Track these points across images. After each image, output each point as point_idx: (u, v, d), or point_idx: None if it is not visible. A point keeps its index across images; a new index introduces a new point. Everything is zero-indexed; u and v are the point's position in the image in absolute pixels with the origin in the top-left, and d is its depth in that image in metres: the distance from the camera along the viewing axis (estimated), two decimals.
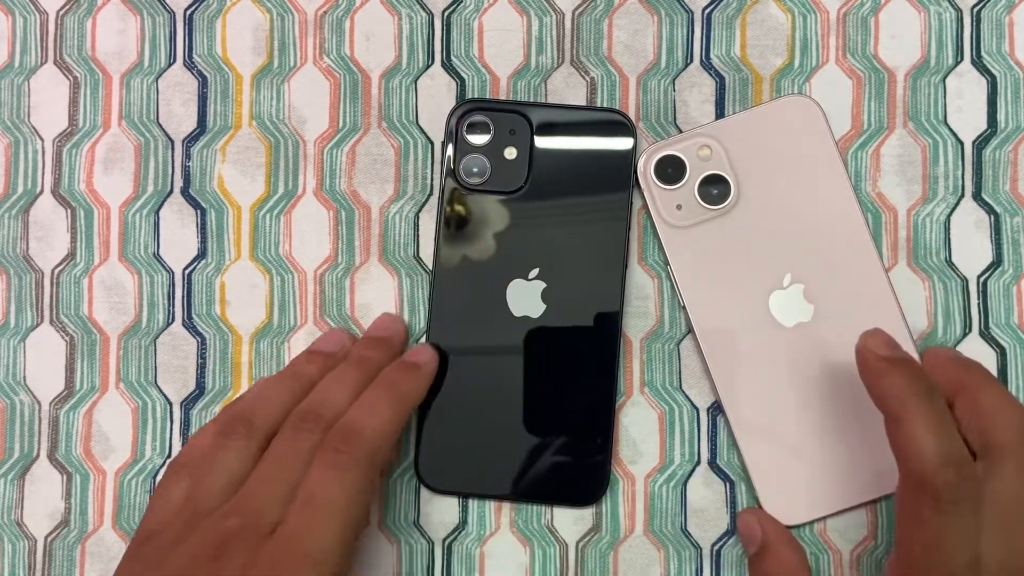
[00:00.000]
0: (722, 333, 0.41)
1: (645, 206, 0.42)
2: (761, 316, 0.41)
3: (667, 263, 0.41)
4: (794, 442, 0.40)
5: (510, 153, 0.41)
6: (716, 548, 0.41)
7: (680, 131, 0.42)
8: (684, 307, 0.41)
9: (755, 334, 0.40)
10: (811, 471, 0.40)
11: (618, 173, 0.41)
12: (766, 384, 0.40)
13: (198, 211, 0.43)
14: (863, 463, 0.40)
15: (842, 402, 0.40)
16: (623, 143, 0.41)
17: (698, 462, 0.41)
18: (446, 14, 0.43)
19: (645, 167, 0.41)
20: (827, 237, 0.41)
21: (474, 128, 0.41)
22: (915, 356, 0.39)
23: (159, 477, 0.42)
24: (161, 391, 0.42)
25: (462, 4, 0.43)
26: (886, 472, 0.40)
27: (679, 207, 0.41)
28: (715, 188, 0.41)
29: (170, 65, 0.43)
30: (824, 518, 0.41)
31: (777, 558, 0.38)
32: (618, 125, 0.41)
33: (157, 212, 0.43)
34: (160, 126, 0.43)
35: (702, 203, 0.41)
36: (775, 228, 0.41)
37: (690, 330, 0.41)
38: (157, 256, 0.43)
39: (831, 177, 0.41)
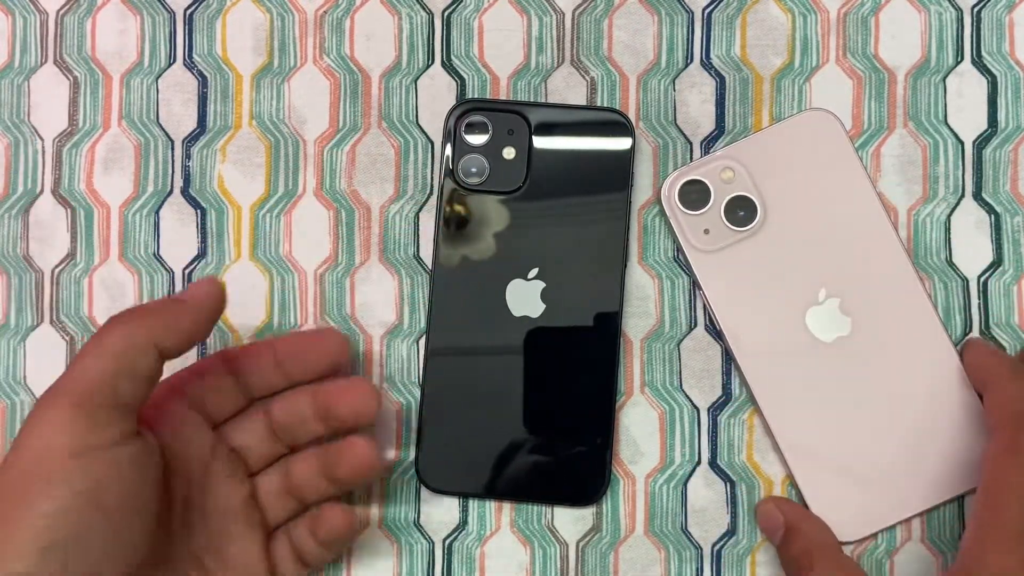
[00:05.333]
0: (763, 355, 0.40)
1: (645, 206, 0.42)
2: (799, 334, 0.40)
3: (698, 288, 0.41)
4: (845, 458, 0.40)
5: (508, 153, 0.41)
6: (716, 548, 0.41)
7: (680, 131, 0.42)
8: (721, 332, 0.41)
9: (796, 352, 0.40)
10: (864, 485, 0.40)
11: (617, 173, 0.41)
12: (813, 402, 0.40)
13: (198, 211, 0.43)
14: (915, 474, 0.40)
15: (890, 412, 0.40)
16: (622, 143, 0.41)
17: (698, 462, 0.41)
18: (446, 14, 0.43)
19: (669, 194, 0.41)
20: (857, 248, 0.40)
21: (472, 128, 0.41)
22: (956, 358, 0.40)
23: None
24: None
25: (462, 4, 0.43)
26: (937, 481, 0.40)
27: (706, 231, 0.41)
28: (741, 210, 0.41)
29: (170, 65, 0.43)
30: (878, 533, 0.40)
31: (805, 536, 0.38)
32: (616, 125, 0.41)
33: (157, 212, 0.43)
34: (160, 126, 0.43)
35: (729, 226, 0.41)
36: (805, 244, 0.41)
37: (728, 355, 0.41)
38: (157, 256, 0.43)
39: (855, 187, 0.41)
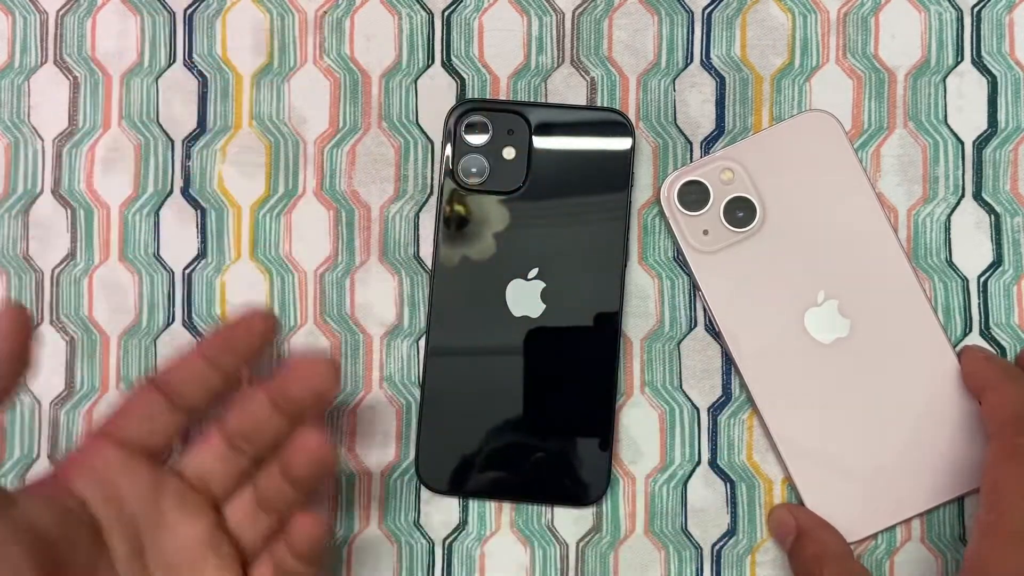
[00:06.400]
0: (761, 356, 0.40)
1: (645, 206, 0.42)
2: (798, 335, 0.40)
3: (697, 289, 0.41)
4: (844, 459, 0.40)
5: (508, 153, 0.41)
6: (716, 548, 0.41)
7: (680, 131, 0.42)
8: (720, 333, 0.41)
9: (794, 354, 0.40)
10: (863, 487, 0.40)
11: (616, 173, 0.41)
12: (811, 403, 0.40)
13: (198, 211, 0.43)
14: (914, 475, 0.40)
15: (888, 414, 0.40)
16: (621, 143, 0.41)
17: (698, 462, 0.41)
18: (446, 14, 0.43)
19: (668, 194, 0.41)
20: (856, 250, 0.40)
21: (472, 128, 0.41)
22: (954, 360, 0.40)
23: None
24: None
25: (462, 4, 0.43)
26: (937, 482, 0.40)
27: (706, 232, 0.41)
28: (740, 211, 0.41)
29: (170, 65, 0.43)
30: (879, 533, 0.41)
31: (817, 541, 0.39)
32: (616, 125, 0.41)
33: (157, 212, 0.43)
34: (160, 126, 0.43)
35: (729, 227, 0.41)
36: (804, 246, 0.41)
37: (727, 357, 0.41)
38: (157, 256, 0.43)
39: (855, 189, 0.41)
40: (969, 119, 0.42)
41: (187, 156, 0.43)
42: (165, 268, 0.43)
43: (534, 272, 0.41)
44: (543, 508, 0.41)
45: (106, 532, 0.34)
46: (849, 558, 0.38)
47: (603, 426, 0.41)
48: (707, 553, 0.41)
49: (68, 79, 0.43)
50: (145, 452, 0.36)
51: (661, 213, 0.42)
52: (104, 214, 0.43)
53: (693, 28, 0.43)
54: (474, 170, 0.41)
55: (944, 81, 0.42)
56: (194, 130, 0.43)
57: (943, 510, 0.41)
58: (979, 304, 0.42)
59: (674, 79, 0.42)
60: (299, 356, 0.37)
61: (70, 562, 0.33)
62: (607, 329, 0.41)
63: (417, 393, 0.42)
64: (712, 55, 0.42)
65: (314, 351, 0.40)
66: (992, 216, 0.42)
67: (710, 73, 0.42)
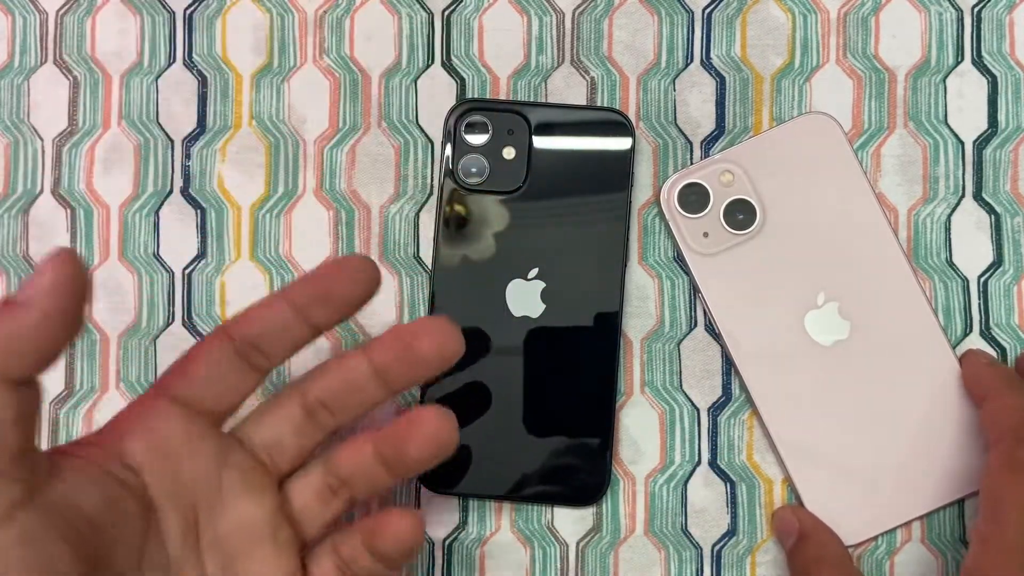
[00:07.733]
0: (761, 358, 0.40)
1: (645, 206, 0.42)
2: (798, 337, 0.40)
3: (697, 291, 0.41)
4: (844, 461, 0.40)
5: (508, 153, 0.41)
6: (716, 548, 0.41)
7: (680, 131, 0.42)
8: (720, 335, 0.41)
9: (794, 356, 0.40)
10: (863, 489, 0.40)
11: (617, 173, 0.41)
12: (811, 405, 0.40)
13: (198, 211, 0.43)
14: (914, 477, 0.40)
15: (888, 416, 0.40)
16: (622, 143, 0.41)
17: (698, 462, 0.41)
18: (446, 14, 0.43)
19: (668, 197, 0.41)
20: (856, 252, 0.40)
21: (472, 128, 0.41)
22: (955, 362, 0.40)
23: None
24: None
25: (462, 4, 0.43)
26: (937, 484, 0.40)
27: (705, 235, 0.41)
28: (740, 213, 0.41)
29: (170, 65, 0.43)
30: (879, 536, 0.40)
31: (818, 543, 0.39)
32: (616, 125, 0.41)
33: (157, 212, 0.43)
34: (160, 126, 0.43)
35: (728, 229, 0.41)
36: (804, 248, 0.41)
37: (727, 358, 0.41)
38: (157, 256, 0.43)
39: (854, 191, 0.41)
40: (969, 119, 0.42)
41: (187, 156, 0.43)
42: (165, 268, 0.43)
43: (534, 272, 0.41)
44: (543, 508, 0.41)
45: (160, 510, 0.30)
46: (848, 564, 0.38)
47: (603, 426, 0.41)
48: (707, 553, 0.41)
49: (68, 79, 0.43)
50: (211, 416, 0.31)
51: (661, 215, 0.42)
52: (104, 214, 0.43)
53: (693, 28, 0.42)
54: (474, 170, 0.41)
55: (944, 81, 0.42)
56: (194, 130, 0.43)
57: (943, 511, 0.41)
58: (979, 304, 0.42)
59: (674, 79, 0.42)
60: (422, 320, 0.33)
61: (116, 548, 0.28)
62: (607, 329, 0.41)
63: (417, 393, 0.42)
64: (712, 55, 0.42)
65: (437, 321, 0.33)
66: (992, 216, 0.42)
67: (710, 73, 0.42)
